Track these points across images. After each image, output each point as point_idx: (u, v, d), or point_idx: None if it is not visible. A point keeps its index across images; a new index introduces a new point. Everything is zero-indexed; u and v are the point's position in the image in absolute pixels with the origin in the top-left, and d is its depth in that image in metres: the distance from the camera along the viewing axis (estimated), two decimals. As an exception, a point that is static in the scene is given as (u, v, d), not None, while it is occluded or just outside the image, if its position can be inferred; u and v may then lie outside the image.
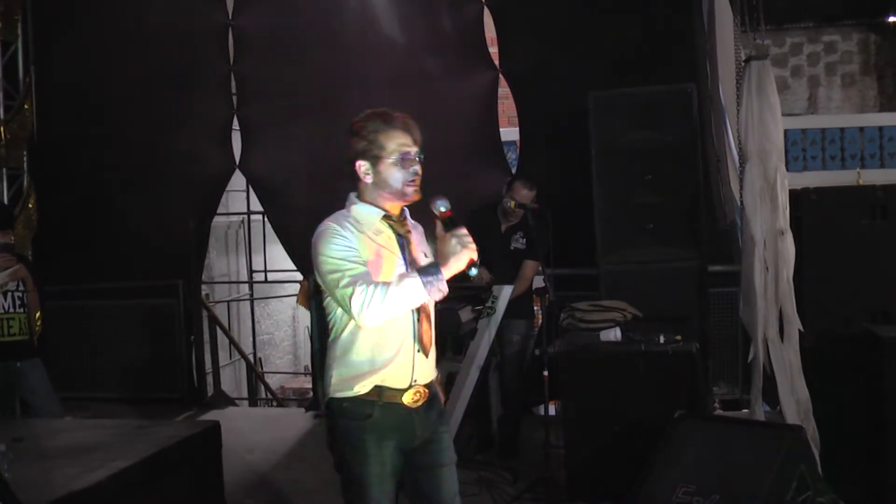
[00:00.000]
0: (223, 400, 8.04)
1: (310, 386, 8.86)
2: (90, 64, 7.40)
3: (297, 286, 7.97)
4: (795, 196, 5.25)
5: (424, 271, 2.97)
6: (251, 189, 8.74)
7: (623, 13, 6.41)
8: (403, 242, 3.17)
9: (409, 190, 3.11)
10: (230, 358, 10.40)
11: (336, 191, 7.53)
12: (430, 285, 2.93)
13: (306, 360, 11.83)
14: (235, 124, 7.66)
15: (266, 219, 8.63)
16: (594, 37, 6.50)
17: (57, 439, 3.97)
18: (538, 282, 5.72)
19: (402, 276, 2.98)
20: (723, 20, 6.12)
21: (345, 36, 7.14)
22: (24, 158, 7.27)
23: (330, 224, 3.10)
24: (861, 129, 8.78)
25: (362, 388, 3.06)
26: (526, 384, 5.92)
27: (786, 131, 5.98)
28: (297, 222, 7.52)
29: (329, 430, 3.15)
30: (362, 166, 3.14)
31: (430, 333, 3.18)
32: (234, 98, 7.65)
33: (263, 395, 10.42)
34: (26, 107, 7.24)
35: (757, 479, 4.03)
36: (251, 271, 10.84)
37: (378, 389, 3.06)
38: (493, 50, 7.07)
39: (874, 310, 5.13)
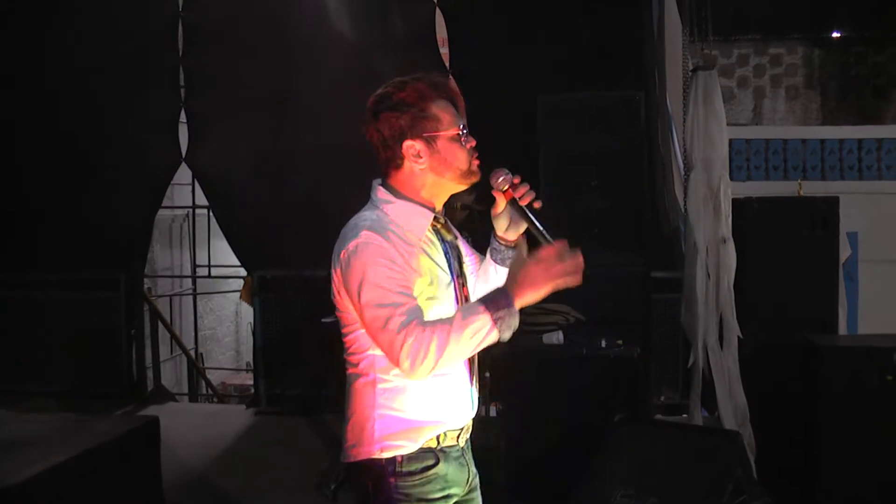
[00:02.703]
0: (163, 395, 7.96)
1: (251, 382, 8.80)
2: (34, 54, 7.29)
3: (241, 282, 7.91)
4: (738, 205, 5.33)
5: (493, 302, 2.27)
6: (197, 183, 8.68)
7: (573, 18, 6.45)
8: (450, 252, 2.55)
9: (475, 166, 2.51)
10: (171, 353, 10.29)
11: (283, 187, 7.53)
12: (501, 322, 2.25)
13: (248, 356, 11.72)
14: (183, 117, 7.58)
15: (211, 213, 8.55)
16: (544, 41, 6.54)
17: (-8, 433, 3.90)
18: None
19: (465, 313, 2.27)
20: (672, 29, 6.18)
21: (296, 31, 7.11)
22: (-35, 150, 7.15)
23: (373, 237, 2.34)
24: (803, 140, 8.92)
25: (422, 439, 2.45)
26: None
27: (731, 141, 6.04)
28: (242, 217, 7.48)
29: (363, 496, 2.49)
30: (413, 147, 2.44)
31: (477, 359, 2.59)
32: (182, 90, 7.57)
33: (205, 391, 10.34)
34: (-32, 98, 7.13)
35: (694, 482, 4.10)
36: (195, 265, 10.74)
37: (438, 435, 2.47)
38: (445, 51, 7.08)
39: (812, 318, 5.24)
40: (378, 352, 2.39)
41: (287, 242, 7.07)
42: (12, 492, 3.07)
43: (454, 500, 2.54)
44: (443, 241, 2.55)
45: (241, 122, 7.28)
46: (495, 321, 2.25)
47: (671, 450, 4.37)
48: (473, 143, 2.51)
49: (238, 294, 9.39)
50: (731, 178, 5.36)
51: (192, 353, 10.38)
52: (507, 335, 2.29)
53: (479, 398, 2.65)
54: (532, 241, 2.48)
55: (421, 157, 2.45)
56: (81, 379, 7.50)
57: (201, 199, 8.69)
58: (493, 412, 5.33)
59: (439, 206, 2.55)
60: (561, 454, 4.80)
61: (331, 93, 6.96)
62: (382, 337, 2.29)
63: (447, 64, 6.98)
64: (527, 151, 6.01)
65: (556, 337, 5.23)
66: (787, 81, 12.03)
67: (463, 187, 2.54)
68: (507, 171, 2.53)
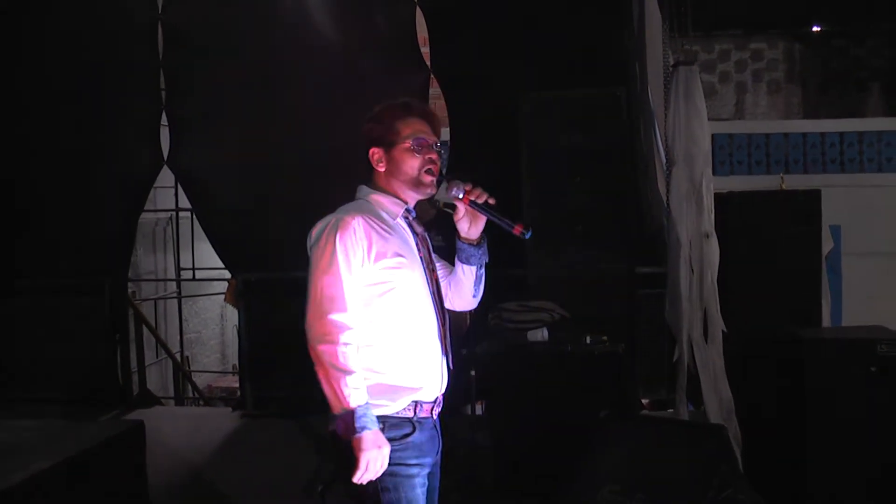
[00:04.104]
0: (149, 399, 7.92)
1: (237, 385, 8.77)
2: (12, 58, 7.25)
3: (226, 284, 7.88)
4: (721, 199, 5.35)
5: (342, 418, 2.65)
6: (179, 186, 8.64)
7: (554, 16, 6.45)
8: (419, 241, 2.97)
9: (427, 179, 2.90)
10: (157, 356, 10.25)
11: (266, 189, 7.51)
12: (338, 417, 2.67)
13: (234, 359, 11.67)
14: (164, 120, 7.55)
15: (194, 216, 8.51)
16: (525, 39, 6.53)
17: (-25, 439, 3.87)
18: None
19: (346, 389, 2.65)
20: (652, 25, 6.18)
21: (277, 33, 7.07)
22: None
23: (347, 220, 2.77)
24: (786, 135, 8.98)
25: (398, 403, 2.80)
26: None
27: (713, 136, 6.07)
28: (225, 220, 7.44)
29: (340, 454, 2.74)
30: (376, 153, 2.92)
31: (449, 341, 2.97)
32: (164, 93, 7.54)
33: (191, 395, 10.30)
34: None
35: (680, 477, 4.10)
36: (179, 269, 10.69)
37: (414, 405, 2.83)
38: (425, 50, 7.07)
39: (796, 311, 5.25)
40: (365, 314, 2.77)
41: (271, 244, 7.04)
42: (-4, 499, 3.05)
43: (426, 471, 2.85)
44: (414, 233, 2.95)
45: (223, 123, 7.24)
46: (338, 410, 2.66)
47: (657, 445, 4.37)
48: (433, 157, 2.92)
49: (223, 297, 9.36)
50: (714, 173, 5.38)
51: (178, 356, 10.35)
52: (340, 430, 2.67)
53: (448, 374, 2.96)
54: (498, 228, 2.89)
55: (381, 163, 2.92)
56: (66, 384, 7.44)
57: (185, 202, 8.64)
58: (478, 410, 5.33)
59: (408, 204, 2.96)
60: (547, 451, 4.82)
61: (313, 93, 6.94)
62: (312, 309, 2.71)
63: (428, 63, 6.97)
64: (509, 150, 6.03)
65: (541, 334, 5.24)
66: (768, 76, 12.10)
67: (418, 195, 2.94)
68: (458, 181, 2.91)
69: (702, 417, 5.15)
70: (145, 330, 8.81)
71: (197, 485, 5.65)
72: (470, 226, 2.96)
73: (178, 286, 10.88)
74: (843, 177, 8.93)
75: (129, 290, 8.53)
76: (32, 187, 7.36)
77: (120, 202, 7.53)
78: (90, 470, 3.70)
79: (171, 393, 10.22)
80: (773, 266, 5.26)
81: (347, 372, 2.65)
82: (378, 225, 2.82)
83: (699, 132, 5.22)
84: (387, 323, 2.81)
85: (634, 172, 6.13)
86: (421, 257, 2.92)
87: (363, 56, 6.93)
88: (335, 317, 2.69)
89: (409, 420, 2.81)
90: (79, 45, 7.19)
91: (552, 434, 4.84)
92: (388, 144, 2.90)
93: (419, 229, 2.99)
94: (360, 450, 2.64)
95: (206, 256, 9.24)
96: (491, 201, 2.88)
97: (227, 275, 7.85)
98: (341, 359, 2.66)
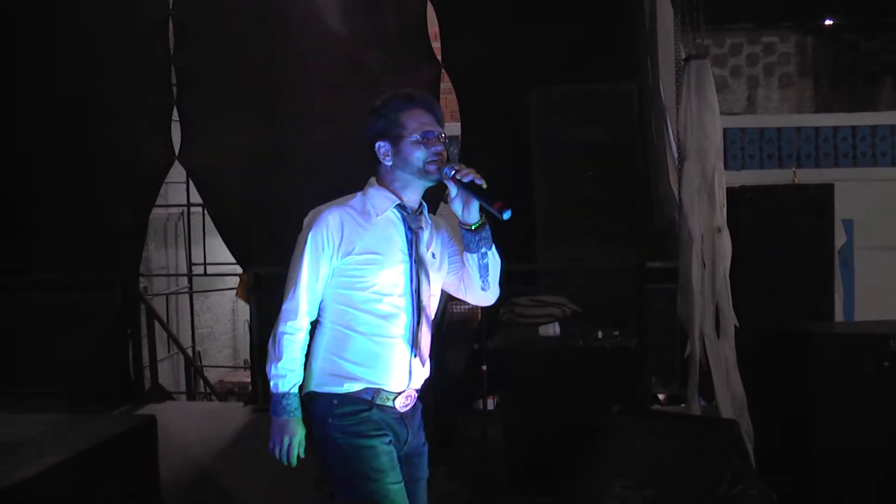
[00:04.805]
0: (161, 394, 7.93)
1: (249, 380, 8.78)
2: (23, 54, 7.26)
3: (237, 279, 7.89)
4: (733, 194, 5.32)
5: (282, 403, 2.90)
6: (191, 181, 8.64)
7: (565, 10, 6.42)
8: (412, 238, 2.98)
9: (432, 168, 2.92)
10: (168, 352, 10.28)
11: (276, 184, 7.51)
12: (272, 406, 2.92)
13: (246, 353, 11.71)
14: (176, 115, 7.55)
15: (206, 211, 8.51)
16: (536, 32, 6.49)
17: (-14, 434, 3.87)
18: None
19: (275, 369, 2.91)
20: (664, 18, 6.16)
21: (287, 27, 7.06)
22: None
23: (323, 215, 2.95)
24: (798, 129, 8.94)
25: (353, 386, 2.91)
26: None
27: (725, 130, 6.04)
28: (237, 215, 7.43)
29: (309, 429, 2.96)
30: (382, 147, 2.96)
31: (428, 339, 3.02)
32: (175, 88, 7.54)
33: (202, 390, 10.32)
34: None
35: (691, 473, 4.11)
36: (190, 264, 10.71)
37: (371, 391, 2.92)
38: (437, 44, 7.05)
39: (808, 306, 5.21)
40: (329, 296, 2.96)
41: (282, 239, 7.02)
42: (6, 495, 3.05)
43: (389, 440, 2.92)
44: (408, 228, 2.98)
45: (234, 118, 7.23)
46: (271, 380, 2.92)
47: (669, 440, 4.39)
48: (439, 148, 2.94)
49: (234, 292, 9.37)
50: (726, 168, 5.35)
51: (190, 351, 10.37)
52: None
53: (423, 373, 3.03)
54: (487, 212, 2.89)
55: (388, 156, 2.96)
56: (77, 379, 7.44)
57: (196, 197, 8.66)
58: (490, 405, 5.33)
59: (409, 199, 2.99)
60: (559, 446, 4.81)
61: (323, 88, 6.93)
62: (286, 293, 2.94)
63: (439, 58, 6.95)
64: (520, 144, 6.01)
65: (553, 329, 5.24)
66: (780, 70, 12.03)
67: (428, 183, 2.97)
68: (453, 164, 2.92)
69: (714, 412, 5.13)
70: (157, 325, 8.83)
71: (208, 480, 5.66)
72: (463, 209, 2.94)
73: (190, 281, 10.92)
74: (855, 171, 8.89)
75: (141, 286, 8.55)
76: (44, 182, 7.36)
77: (131, 197, 7.53)
78: (101, 465, 3.72)
79: (183, 388, 10.26)
80: (785, 261, 5.22)
81: (278, 358, 2.88)
82: (355, 220, 2.93)
83: (711, 126, 5.20)
84: (351, 313, 2.92)
85: (645, 167, 6.11)
86: (409, 254, 2.95)
87: (374, 50, 6.91)
88: (286, 304, 2.93)
89: (367, 402, 2.91)
90: (89, 41, 7.19)
91: (564, 429, 4.85)
92: (395, 138, 2.94)
93: (418, 223, 3.01)
94: (272, 431, 2.90)
95: (218, 251, 9.25)
96: (478, 181, 2.85)
97: (239, 270, 7.86)
98: (277, 344, 2.89)
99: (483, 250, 2.99)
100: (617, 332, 5.14)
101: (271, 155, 7.15)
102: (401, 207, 2.98)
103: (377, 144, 2.96)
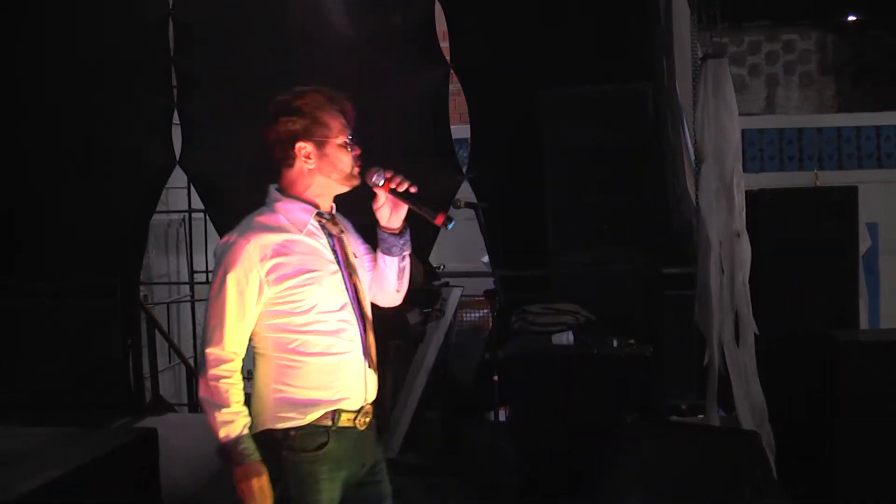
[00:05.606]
0: (162, 406, 7.84)
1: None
2: (22, 57, 7.16)
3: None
4: (752, 197, 5.28)
5: (237, 449, 2.74)
6: (192, 186, 8.55)
7: (578, 9, 6.34)
8: (335, 244, 2.87)
9: (356, 171, 2.84)
10: (170, 362, 10.16)
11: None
12: (227, 456, 2.76)
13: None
14: (176, 118, 7.45)
15: (207, 217, 8.42)
16: (547, 32, 6.42)
17: (-16, 447, 3.84)
18: (488, 283, 5.64)
19: (217, 415, 2.75)
20: (680, 16, 6.08)
21: (291, 28, 6.97)
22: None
23: (250, 241, 2.77)
24: (819, 129, 8.86)
25: (314, 413, 2.76)
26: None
27: (743, 131, 5.98)
28: (238, 221, 7.31)
29: (267, 464, 2.78)
30: (304, 149, 2.79)
31: (374, 346, 2.91)
32: (175, 91, 7.44)
33: (204, 400, 10.22)
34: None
35: (710, 485, 4.02)
36: (192, 271, 10.62)
37: (332, 414, 2.77)
38: (445, 45, 6.95)
39: (832, 313, 5.18)
40: (265, 333, 2.80)
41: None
42: (5, 509, 3.01)
43: (341, 481, 2.79)
44: (329, 235, 2.85)
45: (236, 122, 7.10)
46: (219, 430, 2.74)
47: (687, 452, 4.29)
48: (359, 152, 2.84)
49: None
50: (745, 170, 5.32)
51: (192, 361, 10.25)
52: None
53: (377, 385, 2.92)
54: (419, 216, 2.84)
55: (310, 159, 2.80)
56: (76, 390, 7.36)
57: (198, 202, 8.57)
58: (501, 416, 5.26)
59: (324, 205, 2.86)
60: (572, 457, 4.76)
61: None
62: (209, 337, 2.76)
63: (448, 58, 6.85)
64: (531, 146, 5.94)
65: (566, 337, 5.16)
66: (800, 68, 11.94)
67: (345, 189, 2.86)
68: (378, 168, 2.83)
69: (733, 423, 5.04)
70: (158, 335, 8.71)
71: (210, 493, 5.54)
72: (391, 215, 2.88)
73: (192, 289, 10.80)
74: (880, 172, 8.78)
75: (142, 294, 8.45)
76: (41, 188, 7.27)
77: (132, 203, 7.43)
78: (102, 479, 3.70)
79: (185, 399, 10.13)
80: (807, 266, 5.22)
81: (215, 406, 2.73)
82: (278, 243, 2.76)
83: (729, 127, 5.15)
84: (296, 339, 2.78)
85: (661, 170, 6.03)
86: (339, 261, 2.84)
87: (381, 51, 6.83)
88: (210, 350, 2.75)
89: (327, 430, 2.76)
90: (88, 43, 7.10)
91: (578, 440, 4.77)
92: (320, 140, 2.79)
93: (338, 227, 2.91)
94: (236, 481, 2.74)
95: (220, 259, 9.13)
96: (412, 189, 2.81)
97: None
98: (214, 392, 2.73)
99: (404, 254, 2.96)
100: (632, 341, 5.05)
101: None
102: (319, 216, 2.85)
103: (298, 146, 2.80)
